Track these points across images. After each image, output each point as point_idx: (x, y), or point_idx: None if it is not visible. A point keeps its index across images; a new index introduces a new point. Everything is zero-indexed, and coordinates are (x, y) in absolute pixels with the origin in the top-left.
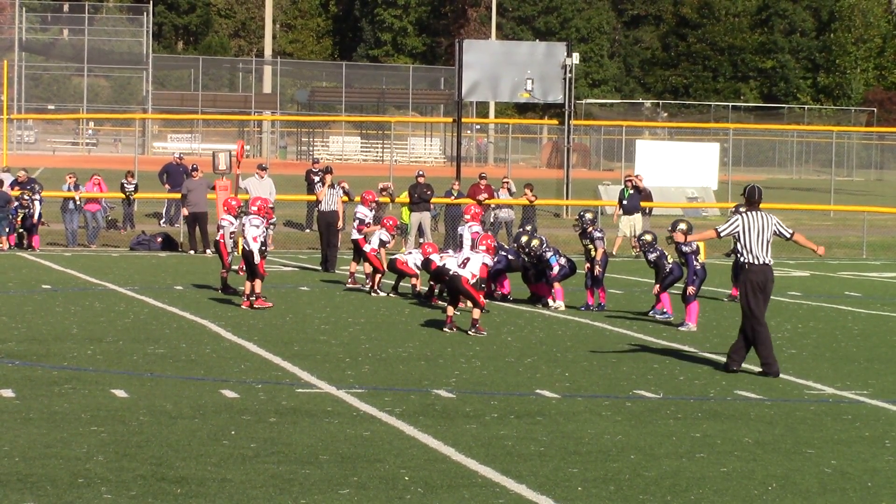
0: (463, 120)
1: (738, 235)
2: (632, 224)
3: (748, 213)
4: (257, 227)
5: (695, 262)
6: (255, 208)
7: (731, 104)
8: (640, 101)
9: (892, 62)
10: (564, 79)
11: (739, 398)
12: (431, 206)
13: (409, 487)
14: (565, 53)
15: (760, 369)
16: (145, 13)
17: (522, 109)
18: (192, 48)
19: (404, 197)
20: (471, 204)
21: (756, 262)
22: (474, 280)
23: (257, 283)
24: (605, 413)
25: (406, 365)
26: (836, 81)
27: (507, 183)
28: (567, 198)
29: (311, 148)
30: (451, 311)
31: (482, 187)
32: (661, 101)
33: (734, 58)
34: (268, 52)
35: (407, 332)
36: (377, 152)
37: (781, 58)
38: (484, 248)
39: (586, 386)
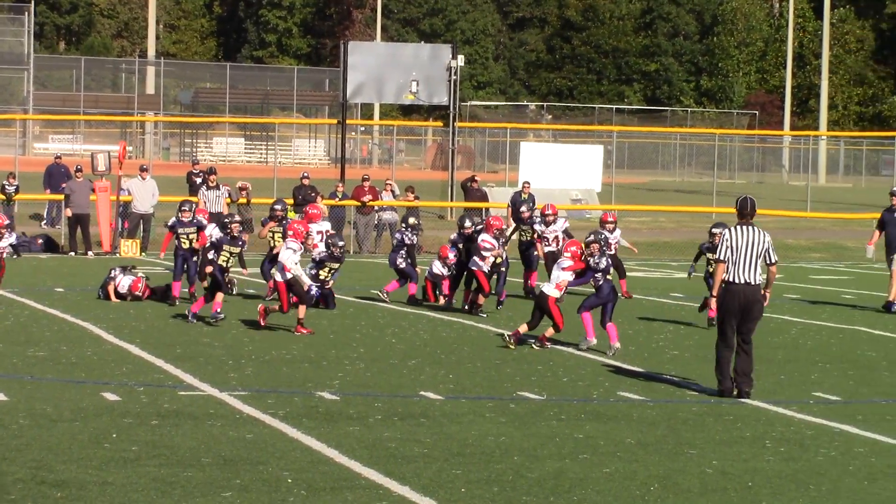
0: (347, 122)
1: (726, 250)
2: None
3: (738, 227)
4: (295, 251)
5: (600, 280)
6: (291, 233)
7: (615, 107)
8: (525, 103)
9: (774, 66)
10: (449, 81)
11: (622, 399)
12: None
13: (292, 490)
14: (450, 55)
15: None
16: (26, 13)
17: (407, 111)
18: (74, 48)
19: (289, 199)
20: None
21: (738, 282)
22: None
23: (302, 308)
24: (489, 414)
25: (290, 367)
26: (719, 84)
27: (391, 185)
28: (451, 200)
29: (194, 149)
30: (524, 328)
31: (366, 189)
32: (545, 104)
33: (618, 60)
34: (151, 52)
35: (291, 335)
36: (261, 154)
37: (665, 61)
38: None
39: (470, 387)
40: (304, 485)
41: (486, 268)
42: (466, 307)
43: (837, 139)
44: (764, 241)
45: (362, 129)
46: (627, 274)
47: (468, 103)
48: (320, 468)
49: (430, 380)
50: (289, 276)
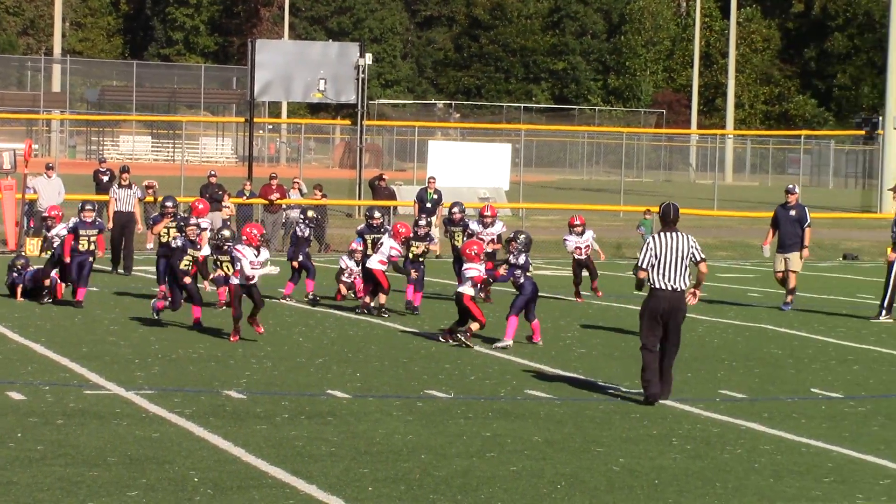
0: (255, 120)
1: (650, 258)
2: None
3: (662, 234)
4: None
5: (521, 279)
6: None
7: (522, 105)
8: (433, 101)
9: (681, 64)
10: (357, 79)
11: (529, 397)
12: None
13: (199, 489)
14: (358, 54)
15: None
16: None
17: (315, 109)
18: None
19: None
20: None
21: (664, 288)
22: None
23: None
24: (396, 413)
25: (196, 366)
26: (626, 83)
27: (298, 183)
28: (359, 198)
29: (100, 147)
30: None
31: (273, 187)
32: (453, 102)
33: (526, 59)
34: (57, 50)
35: (197, 333)
36: (168, 152)
37: (573, 59)
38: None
39: (377, 386)
40: (210, 484)
41: (383, 268)
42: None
43: (744, 138)
44: (688, 246)
45: (270, 127)
46: (535, 271)
47: (376, 102)
48: (227, 467)
49: (337, 378)
50: (237, 280)
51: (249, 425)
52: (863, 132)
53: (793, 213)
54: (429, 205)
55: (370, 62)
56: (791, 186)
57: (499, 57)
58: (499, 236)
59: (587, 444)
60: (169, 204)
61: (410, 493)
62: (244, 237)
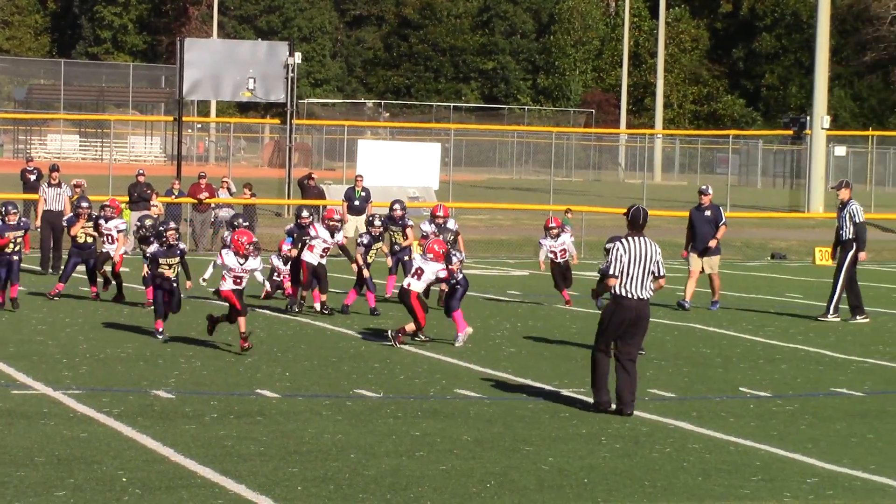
0: (184, 119)
1: (616, 265)
2: (356, 224)
3: (629, 238)
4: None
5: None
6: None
7: (452, 105)
8: (363, 101)
9: (610, 64)
10: (286, 78)
11: (459, 396)
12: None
13: (127, 489)
14: (287, 53)
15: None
16: None
17: (244, 108)
18: None
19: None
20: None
21: (630, 297)
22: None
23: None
24: (326, 412)
25: (125, 365)
26: (556, 83)
27: (227, 182)
28: (288, 197)
29: (28, 146)
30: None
31: (202, 186)
32: (383, 101)
33: (455, 59)
34: None
35: (126, 333)
36: (96, 151)
37: (502, 59)
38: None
39: (307, 385)
40: (138, 484)
41: (314, 260)
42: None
43: (673, 137)
44: (654, 254)
45: (199, 126)
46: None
47: (305, 101)
48: (155, 467)
49: (266, 378)
50: (229, 286)
51: (178, 425)
52: (790, 132)
53: (708, 213)
54: (356, 203)
55: (299, 61)
56: (704, 188)
57: (428, 56)
58: (455, 234)
59: (516, 443)
60: (84, 205)
61: (340, 493)
62: (232, 244)
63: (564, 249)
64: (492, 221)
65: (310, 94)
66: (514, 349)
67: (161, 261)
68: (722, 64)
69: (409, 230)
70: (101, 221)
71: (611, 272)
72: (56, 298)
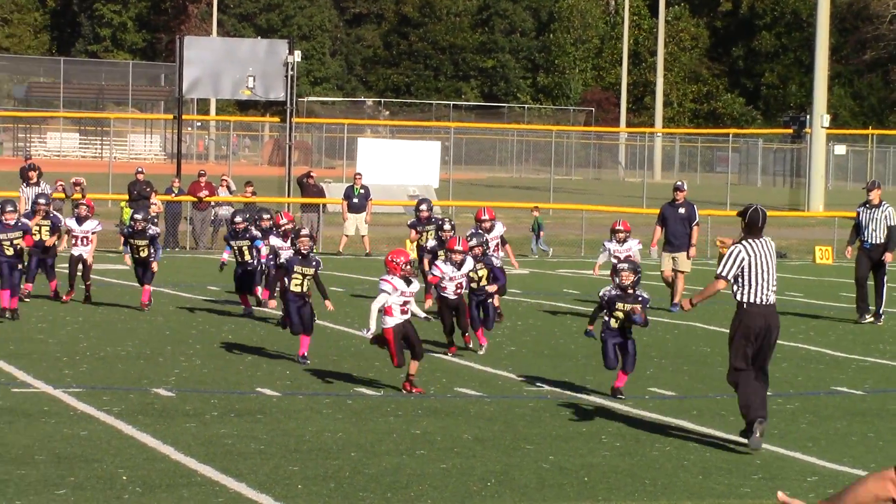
0: (184, 117)
1: (743, 270)
2: (356, 223)
3: (750, 241)
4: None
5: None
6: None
7: (452, 103)
8: (362, 99)
9: (610, 63)
10: (286, 76)
11: (459, 395)
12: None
13: (127, 487)
14: (287, 51)
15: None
16: None
17: (244, 107)
18: None
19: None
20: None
21: (758, 303)
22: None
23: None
24: (326, 411)
25: (125, 364)
26: (556, 81)
27: (227, 180)
28: (289, 195)
29: (27, 144)
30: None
31: (202, 185)
32: (382, 100)
33: (455, 57)
34: None
35: (126, 331)
36: (96, 149)
37: (502, 57)
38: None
39: (307, 384)
40: (139, 482)
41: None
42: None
43: (673, 136)
44: (773, 253)
45: (198, 124)
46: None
47: (305, 99)
48: (156, 465)
49: (266, 376)
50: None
51: (178, 423)
52: (790, 131)
53: (682, 210)
54: (356, 200)
55: (299, 59)
56: (679, 183)
57: (428, 54)
58: (501, 239)
59: (517, 441)
60: (41, 201)
61: (340, 491)
62: (387, 267)
63: (630, 256)
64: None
65: (309, 93)
66: (515, 347)
67: (295, 269)
68: (722, 62)
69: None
70: (75, 224)
71: (722, 273)
72: (27, 299)
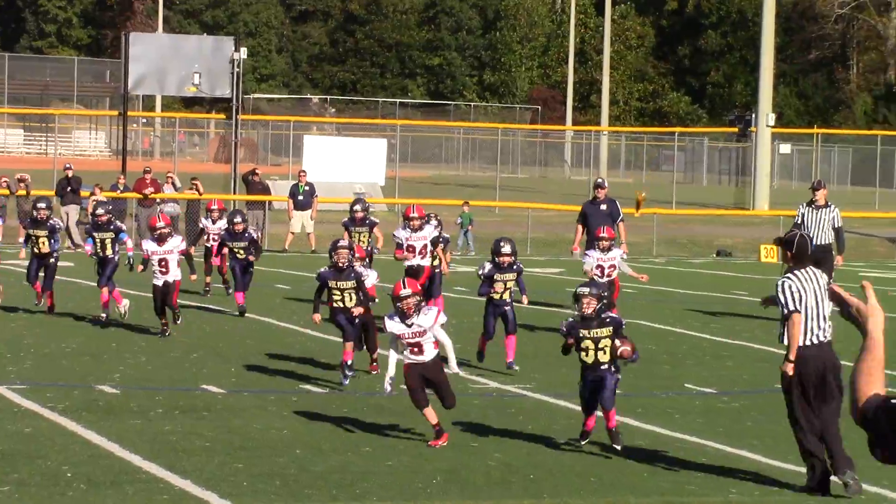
0: (129, 113)
1: (794, 302)
2: (302, 220)
3: (798, 272)
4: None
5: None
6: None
7: (398, 101)
8: (308, 96)
9: (556, 61)
10: (232, 73)
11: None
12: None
13: (72, 483)
14: (233, 48)
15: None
16: None
17: (189, 103)
18: None
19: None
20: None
21: (810, 344)
22: None
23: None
24: (272, 408)
25: (70, 360)
26: (502, 79)
27: (172, 177)
28: (234, 192)
29: None
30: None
31: (148, 181)
32: (328, 97)
33: (402, 54)
34: None
35: (70, 328)
36: (41, 145)
37: (448, 55)
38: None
39: (252, 381)
40: (84, 478)
41: None
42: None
43: (619, 134)
44: (824, 283)
45: (144, 121)
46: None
47: (251, 96)
48: (101, 462)
49: (212, 373)
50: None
51: (123, 420)
52: (735, 129)
53: (603, 207)
54: (301, 198)
55: (245, 56)
56: (600, 180)
57: (374, 52)
58: (434, 240)
59: (463, 439)
60: None
61: (286, 489)
62: (393, 297)
63: (613, 266)
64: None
65: (255, 90)
66: (461, 345)
67: (330, 284)
68: (667, 61)
69: (376, 229)
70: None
71: (792, 307)
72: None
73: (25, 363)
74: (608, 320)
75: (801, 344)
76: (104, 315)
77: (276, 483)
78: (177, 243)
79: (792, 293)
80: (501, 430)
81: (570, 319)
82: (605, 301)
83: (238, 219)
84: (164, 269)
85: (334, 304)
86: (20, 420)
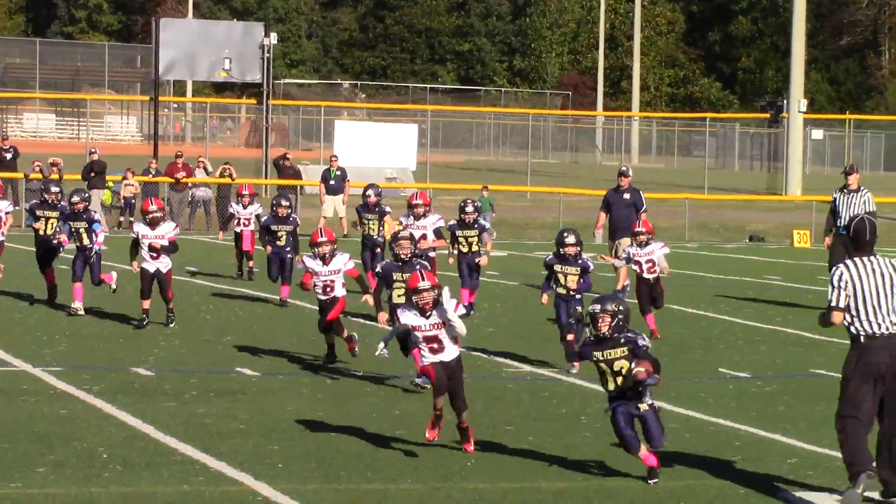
0: (160, 98)
1: (843, 296)
2: (334, 205)
3: (857, 260)
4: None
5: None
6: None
7: (428, 86)
8: (339, 81)
9: (586, 47)
10: (262, 58)
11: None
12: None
13: (108, 465)
14: (263, 33)
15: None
16: None
17: (220, 88)
18: None
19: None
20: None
21: (873, 333)
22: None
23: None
24: (306, 391)
25: (105, 343)
26: (532, 65)
27: (203, 162)
28: (266, 177)
29: (3, 125)
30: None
31: (179, 166)
32: (359, 83)
33: (431, 40)
34: None
35: (106, 311)
36: (73, 130)
37: (478, 41)
38: None
39: (286, 364)
40: (119, 460)
41: None
42: None
43: (650, 120)
44: (892, 271)
45: (175, 106)
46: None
47: (281, 81)
48: (136, 443)
49: (245, 357)
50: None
51: (158, 402)
52: (767, 115)
53: (627, 196)
54: (332, 183)
55: (275, 42)
56: (624, 168)
57: (404, 38)
58: (436, 231)
59: (498, 422)
60: None
61: (321, 470)
62: (407, 286)
63: (652, 262)
64: None
65: (286, 75)
66: (493, 329)
67: (395, 277)
68: (698, 47)
69: (387, 217)
70: None
71: (835, 303)
72: None
73: (61, 345)
74: (623, 340)
75: (869, 333)
76: (76, 306)
77: (311, 465)
78: (169, 229)
79: (838, 284)
80: (535, 413)
81: (586, 339)
82: (620, 317)
83: (285, 202)
84: (154, 255)
85: (395, 301)
86: (56, 402)
